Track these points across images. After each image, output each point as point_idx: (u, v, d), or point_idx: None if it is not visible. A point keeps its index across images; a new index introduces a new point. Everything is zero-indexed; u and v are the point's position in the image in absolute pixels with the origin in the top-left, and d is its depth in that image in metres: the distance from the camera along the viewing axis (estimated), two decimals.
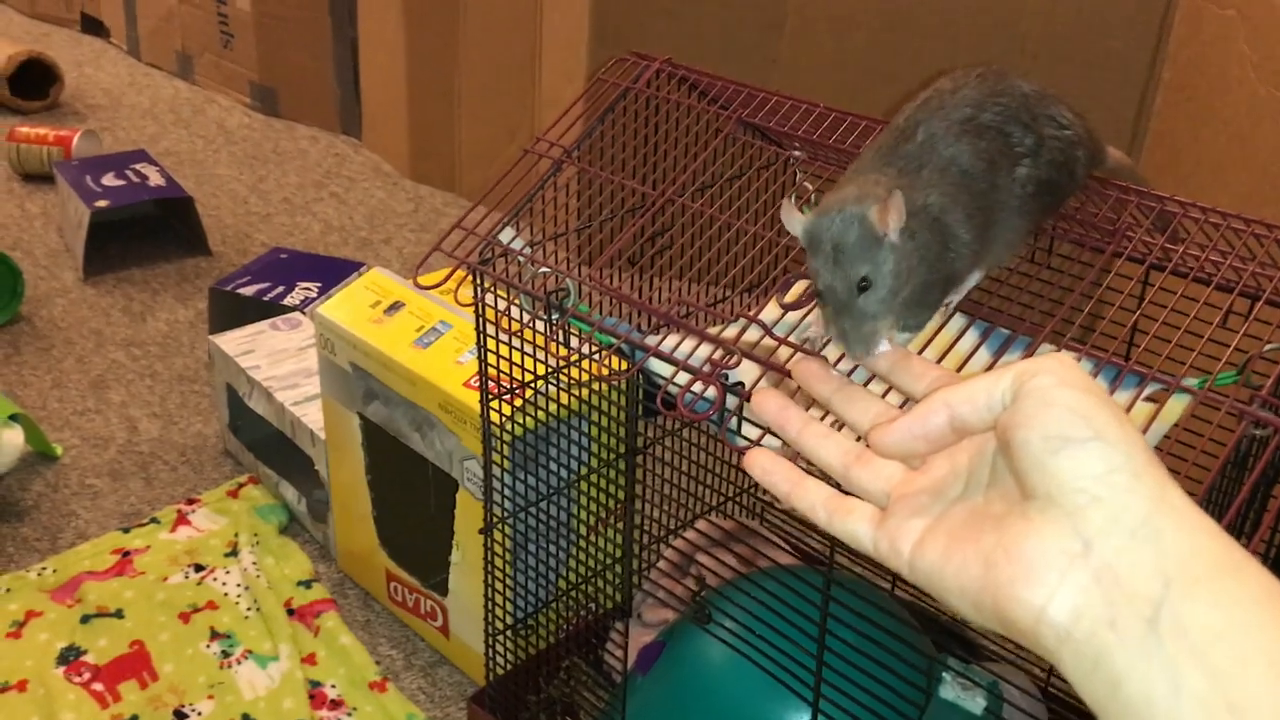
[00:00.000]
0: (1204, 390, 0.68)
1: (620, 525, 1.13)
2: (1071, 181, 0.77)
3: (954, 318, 0.80)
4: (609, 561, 1.14)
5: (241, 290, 1.69)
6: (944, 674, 0.77)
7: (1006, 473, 0.45)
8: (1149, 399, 0.72)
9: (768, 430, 0.73)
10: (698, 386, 0.77)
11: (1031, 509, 0.42)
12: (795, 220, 0.63)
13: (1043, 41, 1.67)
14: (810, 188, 1.04)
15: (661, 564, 1.21)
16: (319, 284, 1.71)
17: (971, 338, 0.78)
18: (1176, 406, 0.72)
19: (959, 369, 0.75)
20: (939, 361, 0.75)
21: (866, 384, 0.62)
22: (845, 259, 0.61)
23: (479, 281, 0.94)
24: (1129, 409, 0.67)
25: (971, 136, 0.72)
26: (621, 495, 1.12)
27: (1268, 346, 0.76)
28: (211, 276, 1.97)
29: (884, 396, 0.57)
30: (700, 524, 1.25)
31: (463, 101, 2.24)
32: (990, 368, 0.75)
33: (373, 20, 2.37)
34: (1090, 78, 1.66)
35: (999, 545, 0.43)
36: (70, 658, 1.22)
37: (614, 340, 0.85)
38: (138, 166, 2.06)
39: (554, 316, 0.89)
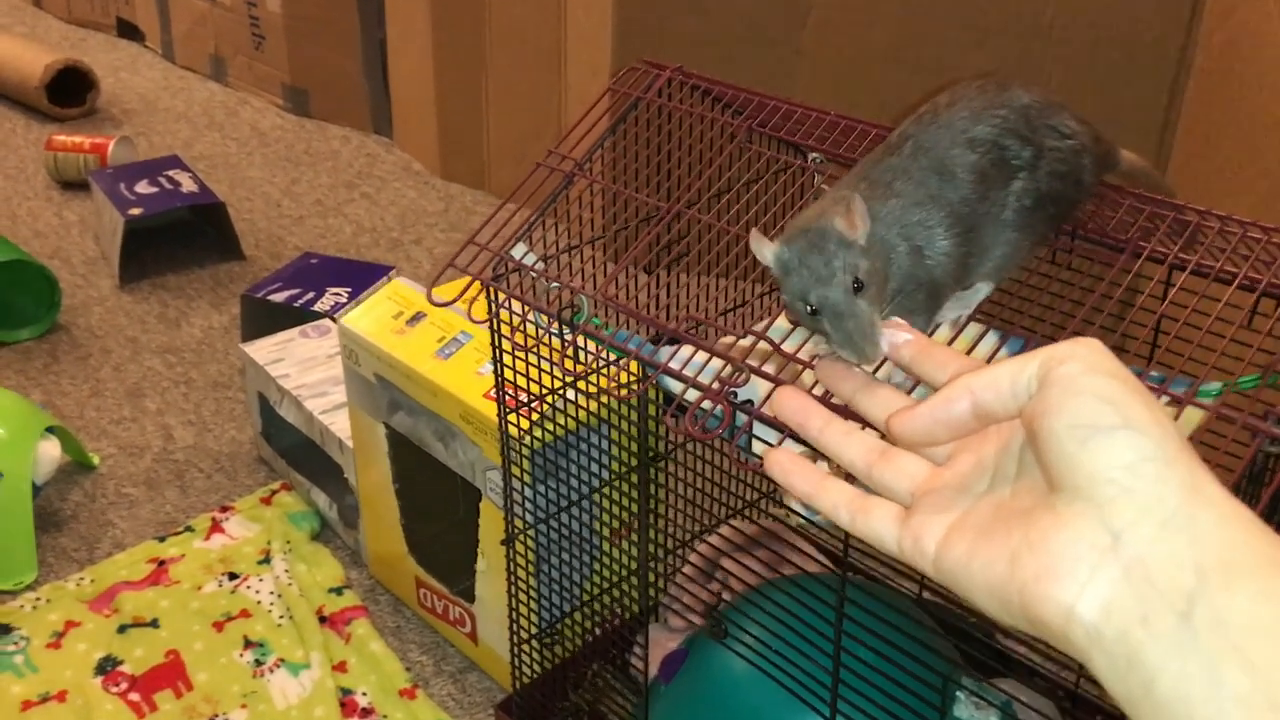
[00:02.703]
0: (1220, 398, 0.67)
1: (648, 531, 1.13)
2: (1079, 190, 0.76)
3: (969, 327, 0.79)
4: (632, 568, 1.14)
5: (273, 297, 1.71)
6: (958, 693, 0.76)
7: (1034, 465, 0.43)
8: (1171, 403, 0.71)
9: (778, 446, 0.73)
10: (707, 404, 0.77)
11: (1059, 502, 0.41)
12: (765, 249, 0.62)
13: (1070, 29, 1.64)
14: (828, 190, 1.03)
15: (686, 569, 1.21)
16: (349, 289, 1.73)
17: (988, 344, 0.78)
18: (1194, 414, 0.71)
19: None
20: None
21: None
22: (830, 269, 0.61)
23: (493, 297, 0.94)
24: None
25: (962, 149, 0.71)
26: (649, 502, 1.12)
27: None
28: (245, 281, 1.99)
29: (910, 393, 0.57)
30: (724, 529, 1.25)
31: (491, 100, 2.24)
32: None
33: (401, 20, 2.38)
34: (1120, 65, 1.63)
35: (1025, 540, 0.41)
36: (108, 668, 1.25)
37: (627, 355, 0.85)
38: (171, 173, 2.08)
39: (567, 333, 0.89)
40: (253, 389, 1.54)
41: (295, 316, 1.66)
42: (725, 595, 1.15)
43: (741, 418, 0.76)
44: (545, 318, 0.89)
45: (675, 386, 0.81)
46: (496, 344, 0.97)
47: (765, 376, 0.77)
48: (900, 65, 1.76)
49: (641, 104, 0.99)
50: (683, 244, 0.94)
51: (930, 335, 0.76)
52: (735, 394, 0.77)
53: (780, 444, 0.74)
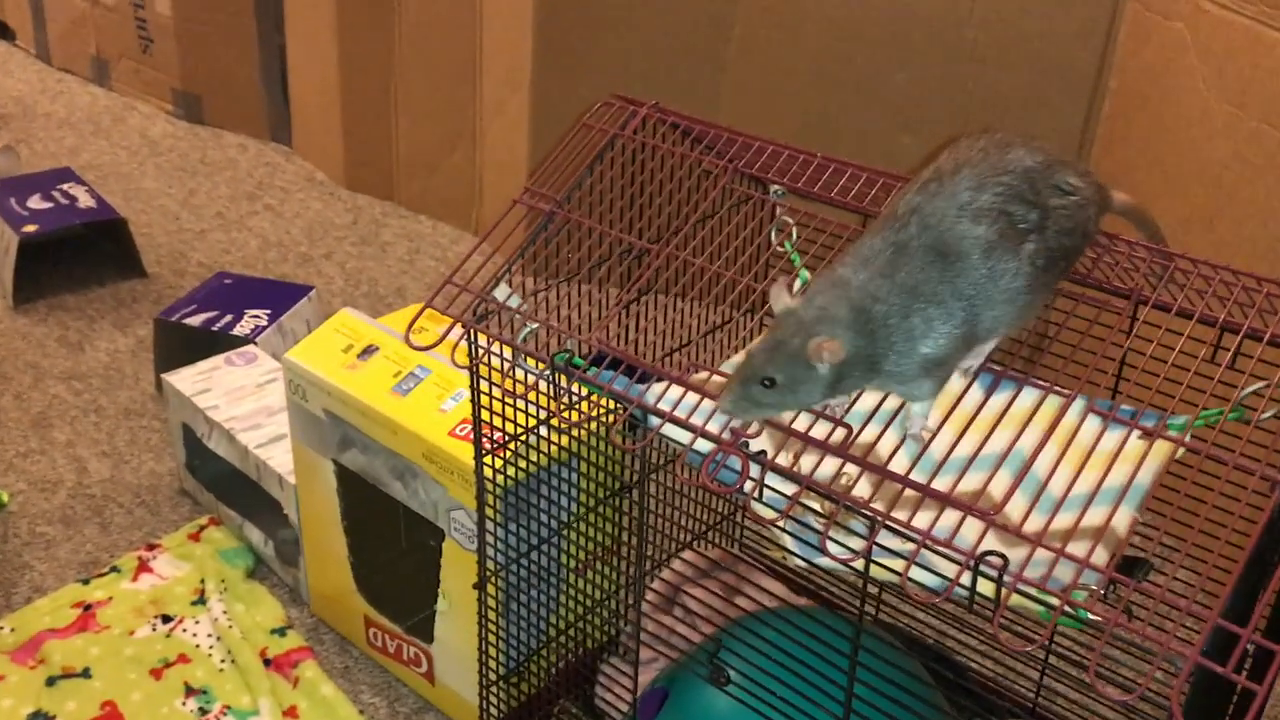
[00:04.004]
0: (1185, 431, 0.69)
1: (612, 562, 1.12)
2: (1084, 240, 0.78)
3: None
4: (601, 597, 1.13)
5: (188, 320, 1.64)
6: None
7: None
8: (1144, 436, 0.73)
9: (795, 499, 0.73)
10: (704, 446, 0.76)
11: None
12: (781, 300, 0.74)
13: (990, 48, 1.68)
14: (790, 221, 1.04)
15: (650, 596, 1.21)
16: (268, 311, 1.67)
17: (976, 390, 0.79)
18: (1163, 447, 0.74)
19: (953, 407, 0.76)
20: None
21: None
22: (774, 356, 0.72)
23: (474, 340, 0.92)
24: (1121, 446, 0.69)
25: (969, 223, 0.72)
26: (614, 532, 1.11)
27: (1251, 387, 0.76)
28: (149, 299, 1.91)
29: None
30: (686, 554, 1.25)
31: (400, 109, 2.19)
32: (982, 407, 0.76)
33: (302, 24, 2.31)
34: (1037, 84, 1.67)
35: None
36: None
37: (625, 404, 0.84)
38: (65, 187, 1.98)
39: (558, 380, 0.87)
40: (176, 419, 1.47)
41: (213, 341, 1.59)
42: (698, 627, 1.14)
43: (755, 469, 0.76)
44: (535, 362, 0.88)
45: (680, 434, 0.80)
46: (475, 385, 0.94)
47: (779, 427, 0.77)
48: (824, 83, 1.78)
49: (615, 145, 0.98)
50: (661, 279, 0.94)
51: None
52: (747, 444, 0.76)
53: (797, 495, 0.74)
